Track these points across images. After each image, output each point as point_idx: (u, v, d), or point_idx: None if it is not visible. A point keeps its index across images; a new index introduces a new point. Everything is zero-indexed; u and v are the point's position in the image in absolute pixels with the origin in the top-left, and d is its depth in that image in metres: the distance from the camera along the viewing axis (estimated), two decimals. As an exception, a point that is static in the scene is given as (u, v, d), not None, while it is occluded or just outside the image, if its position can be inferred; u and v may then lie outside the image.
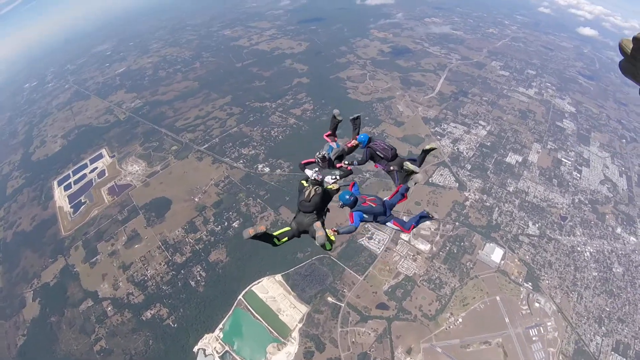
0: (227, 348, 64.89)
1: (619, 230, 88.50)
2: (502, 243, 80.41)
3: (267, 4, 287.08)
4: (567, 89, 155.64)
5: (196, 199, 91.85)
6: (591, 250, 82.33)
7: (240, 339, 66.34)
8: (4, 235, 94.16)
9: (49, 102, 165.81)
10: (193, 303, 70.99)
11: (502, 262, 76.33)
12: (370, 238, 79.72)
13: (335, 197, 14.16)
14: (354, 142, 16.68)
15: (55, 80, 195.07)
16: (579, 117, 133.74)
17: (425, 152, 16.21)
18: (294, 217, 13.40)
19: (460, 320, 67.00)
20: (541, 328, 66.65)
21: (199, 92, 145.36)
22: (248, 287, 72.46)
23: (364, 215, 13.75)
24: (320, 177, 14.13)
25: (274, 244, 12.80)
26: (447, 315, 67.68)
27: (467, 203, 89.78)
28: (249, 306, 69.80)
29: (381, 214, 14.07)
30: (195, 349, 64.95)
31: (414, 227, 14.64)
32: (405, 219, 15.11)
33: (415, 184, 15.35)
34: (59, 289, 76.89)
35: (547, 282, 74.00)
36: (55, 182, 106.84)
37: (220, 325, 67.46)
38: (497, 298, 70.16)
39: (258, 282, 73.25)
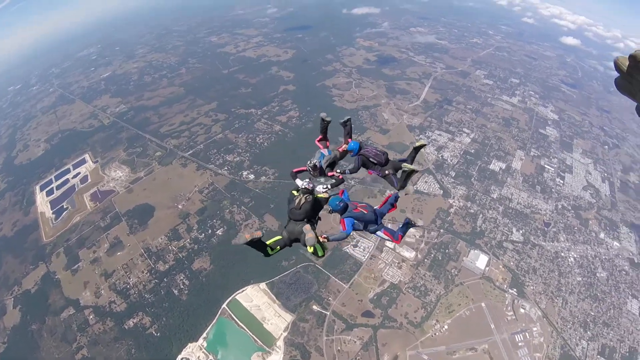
0: (211, 357, 63.81)
1: (602, 235, 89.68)
2: (486, 250, 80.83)
3: (254, 11, 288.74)
4: (550, 97, 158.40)
5: (180, 206, 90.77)
6: (575, 255, 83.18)
7: (224, 348, 65.30)
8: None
9: (33, 106, 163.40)
10: (176, 312, 69.80)
11: (487, 268, 76.70)
12: (355, 246, 79.46)
13: (326, 206, 13.84)
14: (345, 147, 16.35)
15: (40, 84, 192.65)
16: (562, 125, 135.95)
17: (416, 150, 16.11)
18: (285, 226, 13.10)
19: (445, 327, 66.95)
20: (527, 333, 66.87)
21: (185, 98, 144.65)
22: (232, 296, 71.53)
23: (355, 222, 13.39)
24: (311, 185, 13.87)
25: (267, 254, 12.45)
26: (433, 322, 67.58)
27: (452, 210, 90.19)
28: (233, 315, 68.87)
29: (372, 221, 13.78)
30: (178, 359, 63.73)
31: (402, 237, 14.36)
32: (390, 227, 14.82)
33: (406, 194, 15.11)
34: (40, 297, 75.17)
35: (531, 287, 74.43)
36: (37, 187, 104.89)
37: (204, 334, 66.35)
38: (483, 304, 70.34)
39: (242, 291, 72.39)
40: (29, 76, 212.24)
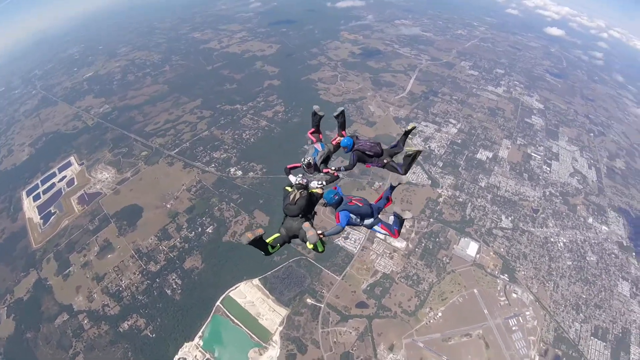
0: (208, 356, 63.64)
1: (590, 220, 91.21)
2: (476, 237, 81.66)
3: (237, 6, 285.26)
4: (535, 87, 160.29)
5: (168, 205, 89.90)
6: (564, 240, 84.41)
7: (220, 345, 65.14)
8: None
9: (16, 110, 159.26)
10: (170, 312, 69.26)
11: (478, 255, 77.51)
12: (346, 238, 79.59)
13: (321, 200, 13.83)
14: (339, 139, 16.16)
15: (23, 87, 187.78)
16: (547, 113, 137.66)
17: (407, 133, 16.09)
18: (282, 223, 13.09)
19: (439, 314, 67.63)
20: (520, 318, 67.87)
21: (169, 96, 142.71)
22: (225, 293, 71.28)
23: (351, 215, 13.28)
24: (305, 180, 13.79)
25: (268, 252, 12.41)
26: (427, 310, 68.22)
27: (441, 199, 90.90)
28: (227, 312, 68.63)
29: (368, 214, 13.63)
30: (175, 359, 63.46)
31: (399, 231, 14.24)
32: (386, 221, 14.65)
33: (399, 184, 15.03)
34: (33, 304, 73.71)
35: (523, 273, 75.46)
36: (24, 193, 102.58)
37: (200, 333, 66.08)
38: (475, 291, 71.11)
39: (235, 288, 72.13)
40: (11, 79, 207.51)
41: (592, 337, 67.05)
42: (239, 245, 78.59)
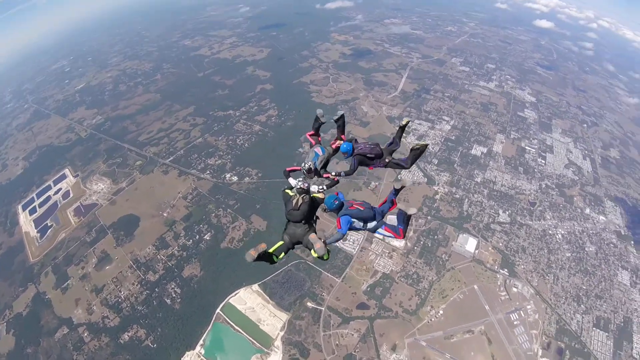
0: (209, 363, 63.43)
1: (587, 210, 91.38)
2: (474, 233, 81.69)
3: (226, 11, 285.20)
4: (526, 80, 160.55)
5: (165, 214, 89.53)
6: (562, 232, 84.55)
7: (222, 353, 64.81)
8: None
9: (8, 124, 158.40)
10: (170, 321, 68.87)
11: (477, 251, 77.53)
12: (344, 239, 79.30)
13: (322, 205, 13.64)
14: (338, 143, 16.00)
15: (15, 101, 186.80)
16: (540, 106, 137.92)
17: (402, 128, 16.04)
18: (284, 230, 12.92)
19: (441, 312, 67.52)
20: (521, 312, 67.82)
21: (161, 104, 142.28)
22: (225, 300, 70.92)
23: (353, 220, 13.12)
24: (306, 185, 13.63)
25: (273, 262, 12.24)
26: (428, 308, 68.11)
27: (437, 197, 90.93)
28: (228, 319, 68.29)
29: (370, 218, 13.42)
30: (177, 368, 63.22)
31: (404, 231, 13.74)
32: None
33: (402, 187, 14.80)
34: (33, 319, 73.09)
35: (522, 266, 75.48)
36: (19, 207, 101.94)
37: (201, 341, 65.67)
38: (475, 287, 71.07)
39: (235, 294, 71.78)
40: (3, 93, 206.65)
41: (594, 328, 67.01)
42: (237, 252, 78.47)
